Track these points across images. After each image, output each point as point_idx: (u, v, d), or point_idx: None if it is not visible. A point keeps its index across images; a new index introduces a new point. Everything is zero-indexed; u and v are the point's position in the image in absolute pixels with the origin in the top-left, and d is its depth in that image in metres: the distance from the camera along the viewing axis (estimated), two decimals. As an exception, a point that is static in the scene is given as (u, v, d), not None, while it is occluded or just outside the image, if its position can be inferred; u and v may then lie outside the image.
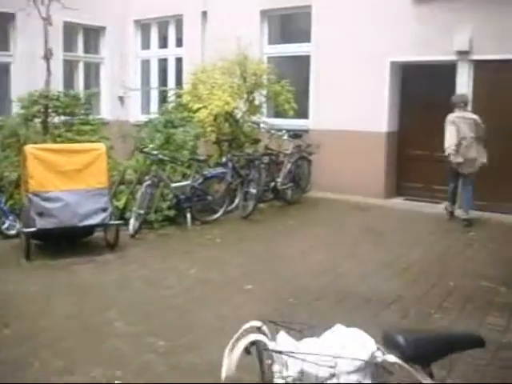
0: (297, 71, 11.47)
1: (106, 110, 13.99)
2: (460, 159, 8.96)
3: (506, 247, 7.67)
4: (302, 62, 11.40)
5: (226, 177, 8.88)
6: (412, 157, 10.83)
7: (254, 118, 10.17)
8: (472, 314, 5.42)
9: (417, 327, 4.96)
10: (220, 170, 8.96)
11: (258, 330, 2.29)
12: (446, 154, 9.00)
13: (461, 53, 9.67)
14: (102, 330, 4.97)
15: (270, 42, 11.99)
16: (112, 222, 7.15)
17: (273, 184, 9.60)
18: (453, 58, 9.78)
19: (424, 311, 5.47)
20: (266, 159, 9.36)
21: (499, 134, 9.49)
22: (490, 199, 9.62)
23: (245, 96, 9.83)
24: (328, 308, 5.50)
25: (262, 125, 9.99)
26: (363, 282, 6.24)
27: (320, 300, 5.72)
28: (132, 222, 7.80)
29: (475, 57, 9.64)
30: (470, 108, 9.54)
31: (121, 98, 13.86)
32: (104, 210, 7.02)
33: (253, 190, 9.00)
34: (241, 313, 5.28)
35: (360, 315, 5.31)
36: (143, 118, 11.59)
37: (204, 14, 12.71)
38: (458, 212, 9.25)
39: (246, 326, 2.34)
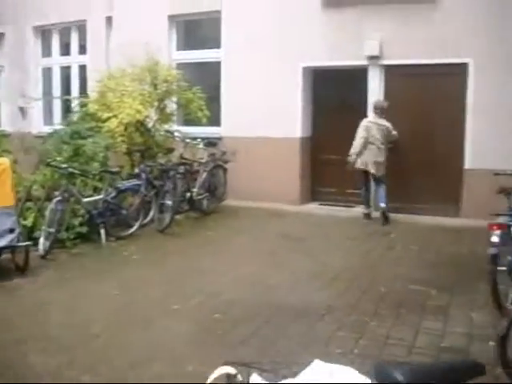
0: (208, 78, 11.15)
1: (7, 121, 13.10)
2: (359, 164, 9.39)
3: (427, 248, 7.69)
4: (213, 69, 11.08)
5: (141, 189, 8.39)
6: (325, 162, 10.78)
7: (166, 127, 9.74)
8: (407, 319, 5.30)
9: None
10: (134, 182, 8.43)
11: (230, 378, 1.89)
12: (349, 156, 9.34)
13: (371, 58, 9.72)
14: (17, 365, 4.41)
15: (179, 48, 11.59)
16: (20, 244, 6.51)
17: (188, 194, 9.19)
18: (364, 62, 9.82)
19: (359, 320, 5.29)
20: (181, 169, 8.95)
21: (408, 137, 9.63)
22: (403, 201, 9.74)
23: (156, 104, 9.38)
24: (262, 323, 5.21)
25: (176, 133, 9.57)
26: (293, 293, 5.99)
27: (252, 315, 5.42)
28: (42, 241, 7.14)
29: (386, 62, 9.73)
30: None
31: (22, 109, 13.00)
32: (11, 230, 6.37)
33: (169, 202, 8.57)
34: (172, 336, 4.90)
35: (295, 329, 5.09)
36: (47, 129, 10.84)
37: (108, 19, 12.13)
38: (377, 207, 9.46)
39: (215, 374, 1.94)
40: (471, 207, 9.42)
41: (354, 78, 10.17)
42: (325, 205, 10.64)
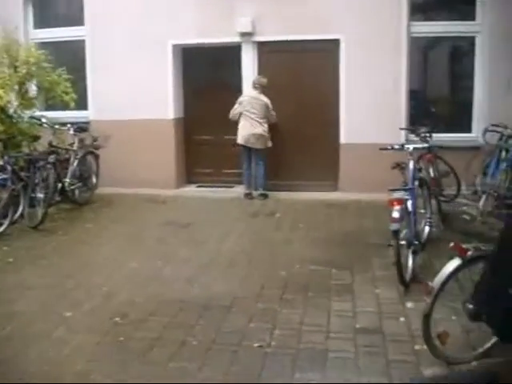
0: (73, 58, 10.20)
1: None
2: (239, 139, 9.35)
3: (315, 226, 7.59)
4: (77, 48, 10.18)
5: (7, 183, 7.48)
6: (201, 142, 10.41)
7: (28, 113, 8.79)
8: (316, 303, 5.12)
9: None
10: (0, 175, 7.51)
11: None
12: None
13: (244, 34, 9.43)
14: None
15: (37, 26, 10.48)
16: None
17: (60, 185, 8.37)
18: (237, 39, 9.51)
19: (269, 309, 5.02)
20: (51, 158, 8.11)
21: (285, 114, 9.51)
22: (283, 179, 9.68)
23: (16, 88, 8.41)
24: (168, 323, 4.79)
25: (43, 119, 8.67)
26: (192, 286, 5.59)
27: (154, 315, 4.98)
28: None
29: (259, 38, 9.49)
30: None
31: None
32: None
33: (40, 195, 7.72)
34: (70, 351, 4.34)
35: (204, 326, 4.72)
36: None
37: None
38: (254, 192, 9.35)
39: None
40: (348, 181, 9.55)
41: (227, 55, 9.85)
42: (203, 187, 10.30)
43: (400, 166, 6.44)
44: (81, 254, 6.67)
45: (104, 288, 5.53)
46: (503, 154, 8.33)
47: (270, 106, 9.16)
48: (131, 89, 9.83)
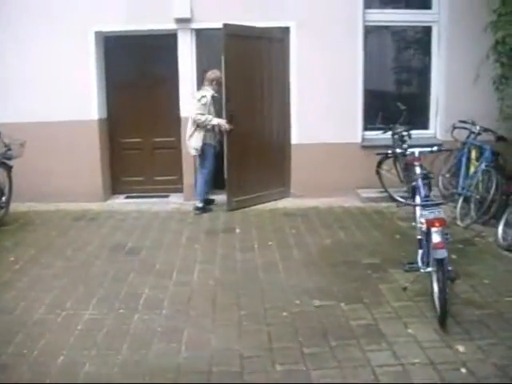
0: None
1: None
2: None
3: (286, 243, 6.35)
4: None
5: None
6: (128, 146, 8.84)
7: None
8: (349, 356, 3.87)
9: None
10: None
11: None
12: None
13: (181, 20, 7.94)
14: None
15: None
16: None
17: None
18: (172, 26, 8.00)
19: (295, 372, 3.71)
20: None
21: (233, 115, 8.12)
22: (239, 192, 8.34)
23: None
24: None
25: None
26: (179, 343, 4.15)
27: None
28: None
29: (198, 25, 8.04)
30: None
31: None
32: None
33: None
34: None
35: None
36: None
37: None
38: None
39: None
40: (301, 186, 8.42)
41: (161, 45, 8.33)
42: (133, 197, 8.72)
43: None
44: (9, 302, 4.92)
45: (56, 359, 3.94)
46: (473, 153, 7.55)
47: (199, 104, 7.62)
48: (47, 85, 8.05)
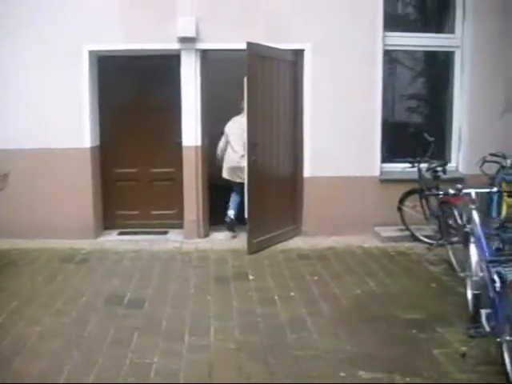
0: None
1: None
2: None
3: (309, 292, 5.42)
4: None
5: None
6: (122, 177, 7.89)
7: None
8: None
9: None
10: None
11: None
12: None
13: (185, 40, 7.08)
14: None
15: None
16: None
17: None
18: (175, 46, 7.14)
19: None
20: None
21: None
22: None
23: None
24: None
25: None
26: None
27: None
28: None
29: (203, 45, 7.20)
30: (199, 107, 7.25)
31: None
32: None
33: None
34: None
35: None
36: None
37: None
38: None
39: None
40: (313, 223, 7.57)
41: (161, 67, 7.49)
42: (126, 233, 7.75)
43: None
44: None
45: None
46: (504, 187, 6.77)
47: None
48: (35, 109, 7.12)
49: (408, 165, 7.27)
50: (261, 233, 6.94)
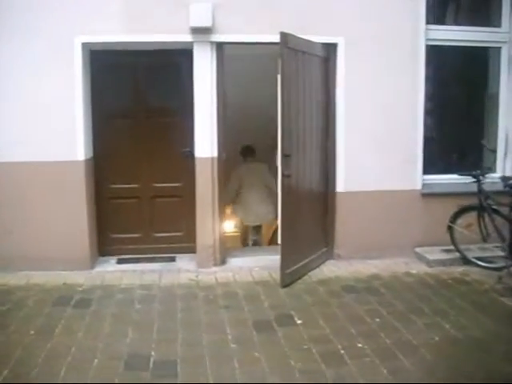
0: None
1: None
2: None
3: (381, 345, 4.22)
4: None
5: None
6: (119, 194, 6.49)
7: None
8: None
9: None
10: None
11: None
12: None
13: (199, 31, 5.75)
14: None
15: None
16: None
17: None
18: (186, 38, 5.83)
19: None
20: None
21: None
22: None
23: None
24: None
25: None
26: None
27: None
28: None
29: (219, 37, 5.89)
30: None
31: None
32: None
33: None
34: None
35: None
36: None
37: None
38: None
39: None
40: (348, 245, 6.36)
41: (167, 63, 6.19)
42: (128, 261, 6.37)
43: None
44: None
45: None
46: None
47: None
48: (18, 116, 5.70)
49: (454, 176, 6.24)
50: (294, 261, 5.67)
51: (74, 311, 4.87)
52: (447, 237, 6.26)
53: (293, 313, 4.82)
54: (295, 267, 5.67)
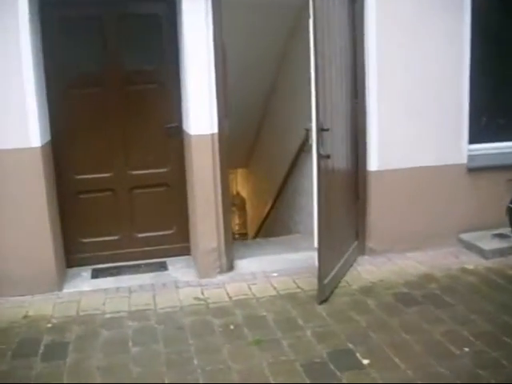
0: None
1: None
2: None
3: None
4: None
5: None
6: (87, 186, 4.93)
7: None
8: None
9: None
10: None
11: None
12: None
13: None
14: None
15: None
16: None
17: None
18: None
19: None
20: None
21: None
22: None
23: None
24: None
25: None
26: None
27: None
28: None
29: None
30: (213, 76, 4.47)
31: None
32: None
33: None
34: None
35: None
36: None
37: None
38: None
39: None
40: (384, 237, 5.03)
41: (143, 16, 4.63)
42: (106, 272, 4.84)
43: None
44: None
45: None
46: None
47: None
48: None
49: (503, 144, 4.99)
50: (331, 265, 4.30)
51: (45, 366, 3.33)
52: (496, 219, 5.08)
53: (351, 346, 3.45)
54: (332, 273, 4.29)
